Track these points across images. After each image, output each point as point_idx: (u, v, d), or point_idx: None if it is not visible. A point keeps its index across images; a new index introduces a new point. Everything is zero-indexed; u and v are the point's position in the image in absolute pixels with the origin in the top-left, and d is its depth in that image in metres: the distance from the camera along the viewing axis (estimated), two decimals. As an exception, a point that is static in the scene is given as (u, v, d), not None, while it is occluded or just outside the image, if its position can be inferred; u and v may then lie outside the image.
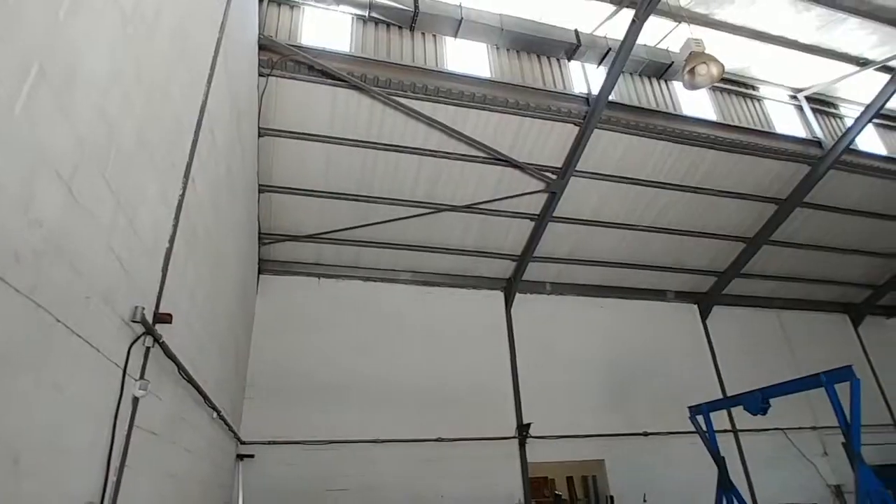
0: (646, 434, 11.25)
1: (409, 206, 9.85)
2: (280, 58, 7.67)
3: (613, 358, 11.84)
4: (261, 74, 7.59)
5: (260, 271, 10.13)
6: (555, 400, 10.94)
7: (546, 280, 12.01)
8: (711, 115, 10.57)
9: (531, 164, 9.64)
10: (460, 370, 10.59)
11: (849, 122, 11.21)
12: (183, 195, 3.63)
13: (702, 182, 10.82)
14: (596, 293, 12.39)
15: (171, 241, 3.49)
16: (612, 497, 10.43)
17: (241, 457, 8.43)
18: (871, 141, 11.95)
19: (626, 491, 10.50)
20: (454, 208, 10.03)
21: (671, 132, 9.83)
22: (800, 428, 12.28)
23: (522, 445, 10.38)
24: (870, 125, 11.29)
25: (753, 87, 11.35)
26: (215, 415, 5.56)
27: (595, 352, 11.77)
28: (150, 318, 3.01)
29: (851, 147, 10.98)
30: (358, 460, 9.21)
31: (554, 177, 9.84)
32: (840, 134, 11.03)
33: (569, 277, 12.08)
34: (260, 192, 8.94)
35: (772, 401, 7.65)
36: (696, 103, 10.59)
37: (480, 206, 10.14)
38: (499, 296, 11.68)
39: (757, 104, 11.24)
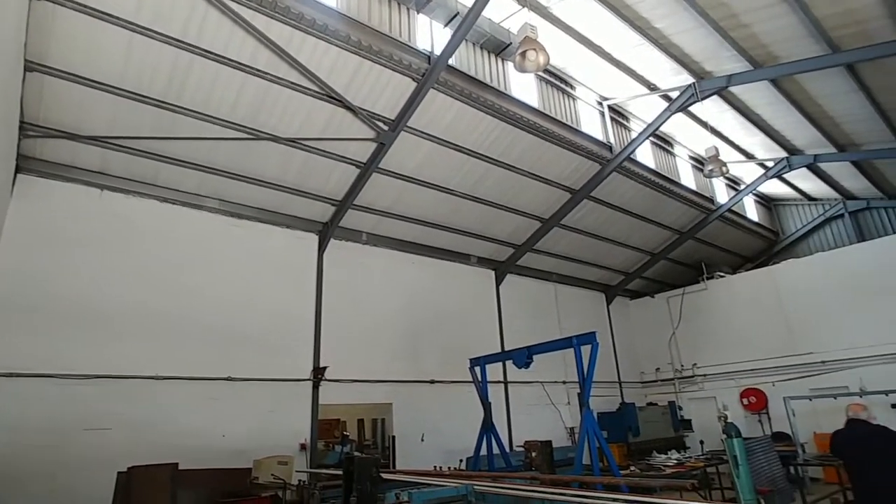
0: (432, 382, 12.34)
1: (225, 126, 8.90)
2: None
3: (414, 311, 12.60)
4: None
5: (19, 169, 8.22)
6: (353, 346, 11.27)
7: (363, 230, 12.10)
8: (534, 102, 11.59)
9: (365, 110, 9.47)
10: (262, 309, 10.18)
11: (633, 135, 13.41)
12: None
13: (516, 161, 11.90)
14: (408, 249, 12.93)
15: None
16: (394, 437, 11.27)
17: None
18: (646, 154, 14.47)
19: (408, 431, 11.44)
20: (276, 139, 9.38)
21: (498, 109, 10.55)
22: (554, 382, 14.75)
23: (316, 388, 10.52)
24: (647, 141, 13.69)
25: (571, 86, 12.75)
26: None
27: (398, 304, 12.37)
28: None
29: (631, 156, 13.19)
30: (130, 397, 8.31)
31: (385, 128, 9.83)
32: (626, 143, 13.14)
33: (385, 231, 12.35)
34: (27, 69, 7.16)
35: (535, 357, 9.04)
36: (524, 88, 11.50)
37: (305, 143, 9.67)
38: (313, 239, 11.42)
39: (571, 102, 12.67)
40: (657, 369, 18.08)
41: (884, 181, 15.86)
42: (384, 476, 5.13)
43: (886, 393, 12.64)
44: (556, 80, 12.32)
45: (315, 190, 10.75)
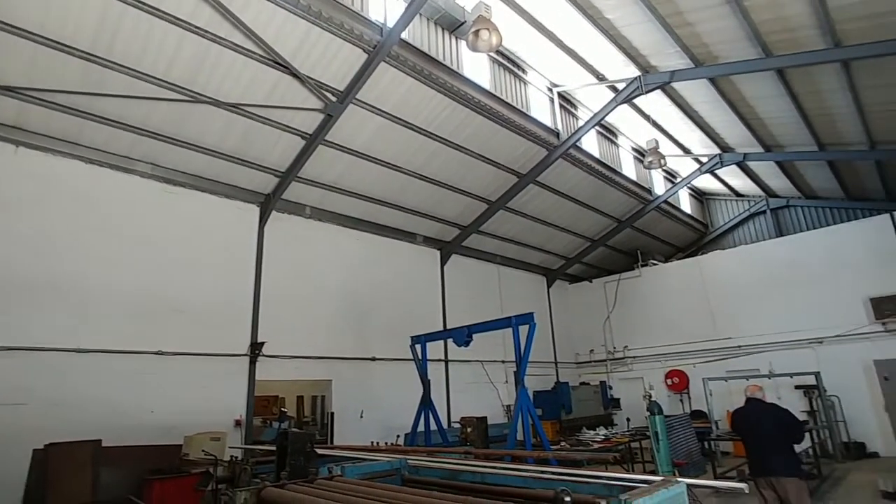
0: (374, 359, 12.35)
1: (160, 86, 8.34)
2: None
3: (358, 288, 12.49)
4: None
5: (-84, 117, 7.40)
6: (294, 321, 11.06)
7: (307, 203, 11.79)
8: (486, 83, 11.59)
9: (313, 79, 9.14)
10: (197, 281, 9.76)
11: (581, 123, 13.73)
12: None
13: (465, 142, 11.91)
14: (354, 225, 12.74)
15: None
16: (332, 413, 11.23)
17: None
18: (591, 143, 14.87)
19: (348, 408, 11.42)
20: (217, 103, 8.91)
21: (450, 88, 10.47)
22: (493, 361, 15.12)
23: (253, 363, 10.27)
24: (593, 130, 14.06)
25: (523, 70, 12.84)
26: None
27: (342, 280, 12.22)
28: None
29: (577, 144, 13.52)
30: (48, 371, 7.79)
31: (333, 99, 9.56)
32: (573, 131, 13.43)
33: (330, 205, 12.10)
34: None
35: (476, 337, 9.23)
36: (476, 68, 11.48)
37: (248, 109, 9.24)
38: (254, 210, 11.01)
39: (522, 86, 12.77)
40: (591, 351, 18.92)
41: (803, 182, 17.10)
42: (319, 451, 5.12)
43: (791, 375, 13.85)
44: (508, 63, 12.36)
45: (257, 159, 10.34)
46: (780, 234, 18.19)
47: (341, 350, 11.78)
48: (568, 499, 1.55)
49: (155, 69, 8.14)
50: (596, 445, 9.89)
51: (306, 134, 10.12)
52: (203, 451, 6.95)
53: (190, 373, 9.28)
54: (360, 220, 12.84)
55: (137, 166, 9.40)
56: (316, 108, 9.61)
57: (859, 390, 13.47)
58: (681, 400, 16.26)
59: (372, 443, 8.53)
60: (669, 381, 16.67)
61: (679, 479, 2.49)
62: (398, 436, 11.01)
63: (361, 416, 11.56)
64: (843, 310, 13.91)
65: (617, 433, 12.16)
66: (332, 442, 10.35)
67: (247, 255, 10.72)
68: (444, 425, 11.29)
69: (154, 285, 9.20)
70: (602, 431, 11.81)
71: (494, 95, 11.57)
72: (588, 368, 18.89)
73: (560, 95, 13.75)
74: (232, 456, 6.46)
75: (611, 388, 17.28)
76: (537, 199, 14.74)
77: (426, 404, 9.55)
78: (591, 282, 19.67)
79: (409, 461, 3.70)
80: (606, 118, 13.56)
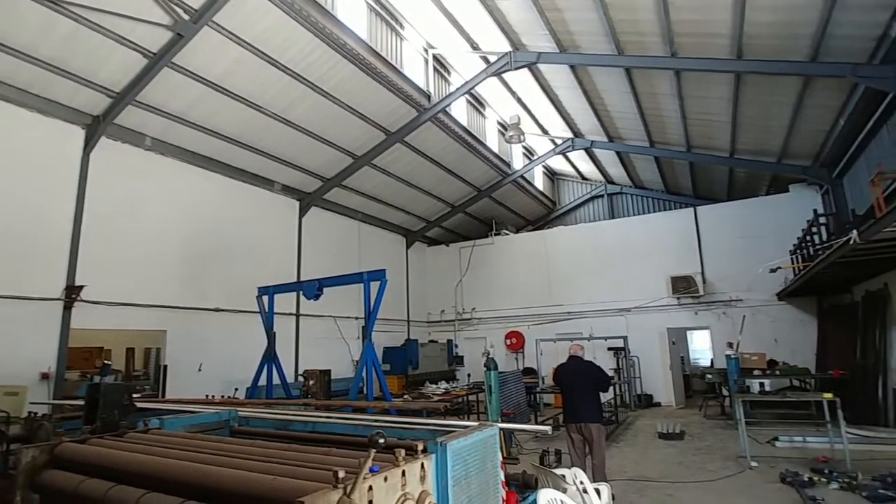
0: (217, 310, 11.57)
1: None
2: None
3: (203, 233, 11.48)
4: None
5: None
6: (123, 264, 9.86)
7: (148, 134, 10.41)
8: (363, 33, 11.12)
9: (160, -11, 7.96)
10: (-5, 209, 8.17)
11: (452, 89, 13.93)
12: None
13: (333, 90, 11.38)
14: (203, 164, 11.58)
15: None
16: (165, 366, 10.37)
17: None
18: (460, 110, 15.21)
19: (184, 361, 10.61)
20: (30, -5, 7.33)
21: (322, 29, 9.84)
22: (347, 317, 15.11)
23: (68, 309, 8.99)
24: (463, 98, 14.38)
25: (401, 25, 12.54)
26: None
27: (184, 223, 11.12)
28: None
29: (447, 109, 13.74)
30: None
31: (186, 17, 8.43)
32: (444, 96, 13.59)
33: (176, 138, 10.81)
34: None
35: (330, 293, 9.14)
36: (353, 15, 10.93)
37: (73, 9, 7.73)
38: (77, 133, 9.42)
39: (398, 42, 12.50)
40: (442, 311, 19.89)
41: (634, 173, 19.47)
42: (141, 405, 4.74)
43: (605, 338, 16.04)
44: (386, 15, 11.99)
45: (84, 73, 8.78)
46: (612, 216, 20.63)
47: (179, 299, 10.83)
48: (381, 440, 1.64)
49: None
50: (436, 398, 10.56)
51: (149, 52, 8.83)
52: (-7, 406, 5.98)
53: (-21, 317, 7.84)
54: (211, 159, 11.70)
55: None
56: (163, 23, 8.40)
57: (654, 352, 16.14)
58: (516, 358, 17.96)
59: (207, 396, 8.10)
60: (508, 342, 18.27)
61: (493, 424, 2.79)
62: (236, 389, 10.59)
63: (200, 370, 10.86)
64: (651, 285, 16.37)
65: (457, 387, 13.09)
66: (163, 396, 9.60)
67: (66, 184, 9.19)
68: (290, 379, 11.10)
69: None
70: (444, 385, 12.62)
71: (369, 46, 11.17)
72: (438, 327, 19.86)
73: (435, 58, 13.76)
74: (30, 412, 5.67)
75: (456, 346, 18.45)
76: (403, 159, 14.77)
77: (271, 358, 9.28)
78: (447, 246, 20.49)
79: (239, 412, 3.60)
80: (476, 88, 13.94)
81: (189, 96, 10.03)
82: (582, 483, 4.75)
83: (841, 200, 12.96)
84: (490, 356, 11.22)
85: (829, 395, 8.04)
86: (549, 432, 3.52)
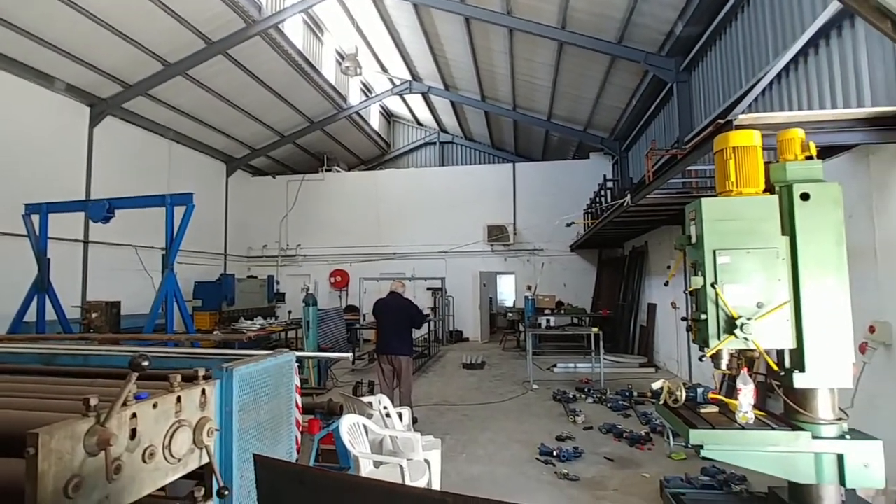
0: (-35, 229, 9.32)
1: None
2: None
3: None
4: None
5: None
6: None
7: None
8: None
9: None
10: None
11: (287, 4, 12.69)
12: None
13: (138, -24, 9.54)
14: (-60, 39, 8.90)
15: None
16: None
17: None
18: (296, 31, 14.00)
19: None
20: None
21: None
22: (151, 247, 13.42)
23: None
24: (299, 17, 13.24)
25: (227, -84, 10.86)
26: None
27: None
28: None
29: (280, 26, 12.53)
30: None
31: None
32: (279, 10, 12.33)
33: None
34: None
35: (130, 220, 7.95)
36: None
37: None
38: None
39: (224, -65, 10.85)
40: (265, 246, 18.87)
41: (465, 124, 20.33)
42: None
43: (425, 279, 16.99)
44: None
45: None
46: (442, 164, 21.42)
47: None
48: (146, 363, 1.54)
49: None
50: (251, 334, 10.16)
51: None
52: None
53: None
54: (-46, 34, 9.04)
55: None
56: None
57: (467, 293, 17.64)
58: (339, 296, 18.07)
59: (-51, 332, 6.62)
60: (333, 280, 18.23)
61: (290, 351, 2.80)
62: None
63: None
64: (470, 232, 17.64)
65: (274, 323, 12.75)
66: None
67: None
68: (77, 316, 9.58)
69: None
70: (259, 321, 12.18)
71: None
72: (259, 262, 18.86)
73: (269, -34, 12.32)
74: None
75: (278, 282, 17.81)
76: (226, 75, 13.17)
77: (42, 289, 7.85)
78: (274, 177, 19.25)
79: (-13, 347, 3.02)
80: (315, 9, 12.93)
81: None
82: (386, 408, 5.13)
83: (626, 170, 15.33)
84: (309, 292, 11.11)
85: (595, 330, 9.77)
86: (350, 358, 3.68)
